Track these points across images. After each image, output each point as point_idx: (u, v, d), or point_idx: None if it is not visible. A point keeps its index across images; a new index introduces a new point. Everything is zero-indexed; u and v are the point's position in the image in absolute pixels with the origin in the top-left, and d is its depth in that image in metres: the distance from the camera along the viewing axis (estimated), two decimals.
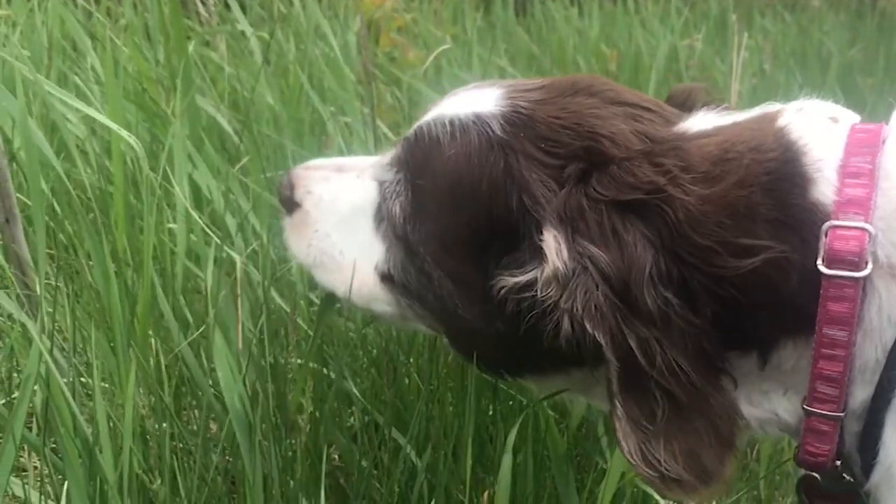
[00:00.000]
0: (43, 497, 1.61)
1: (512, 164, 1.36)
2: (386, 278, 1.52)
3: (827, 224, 1.24)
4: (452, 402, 2.00)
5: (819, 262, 1.23)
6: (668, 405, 1.25)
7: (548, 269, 1.29)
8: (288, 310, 2.18)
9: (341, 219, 1.57)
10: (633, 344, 1.23)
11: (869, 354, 1.26)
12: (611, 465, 1.98)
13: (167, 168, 2.15)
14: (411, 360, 2.09)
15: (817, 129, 1.32)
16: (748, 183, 1.28)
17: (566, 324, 1.28)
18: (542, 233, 1.32)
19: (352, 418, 2.05)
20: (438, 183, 1.42)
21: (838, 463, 1.33)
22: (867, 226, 1.23)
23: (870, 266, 1.22)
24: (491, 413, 2.08)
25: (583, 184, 1.32)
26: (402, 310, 1.55)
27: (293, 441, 1.78)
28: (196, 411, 1.88)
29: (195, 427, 1.83)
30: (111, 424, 1.58)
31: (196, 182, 2.39)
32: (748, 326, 1.29)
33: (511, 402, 2.07)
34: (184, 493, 1.68)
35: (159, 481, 1.60)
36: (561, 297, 1.28)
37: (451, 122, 1.43)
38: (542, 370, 1.46)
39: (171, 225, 2.24)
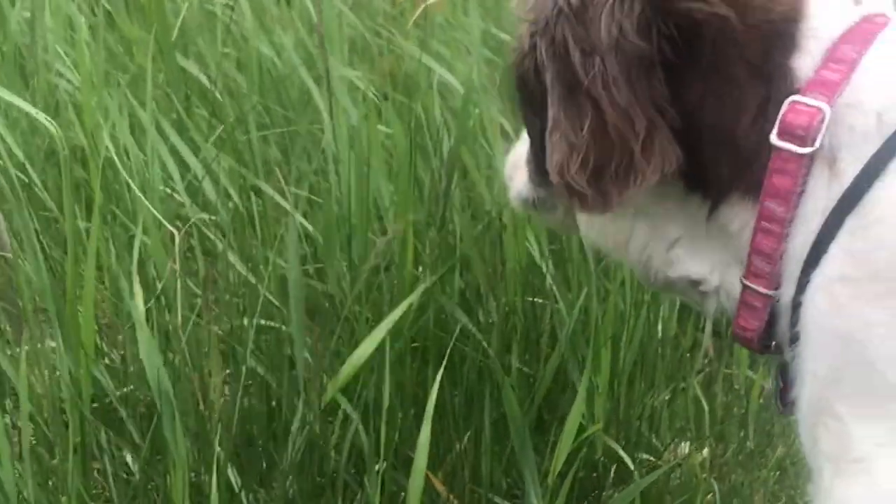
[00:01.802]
0: None
1: None
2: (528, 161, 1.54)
3: (790, 98, 1.24)
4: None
5: (774, 133, 1.24)
6: (594, 117, 1.27)
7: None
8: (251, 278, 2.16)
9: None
10: (574, 56, 1.27)
11: (796, 244, 1.24)
12: (566, 428, 1.93)
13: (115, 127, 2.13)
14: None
15: (833, 3, 1.30)
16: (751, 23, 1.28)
17: (527, 44, 1.32)
18: None
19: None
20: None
21: (773, 344, 1.33)
22: (824, 105, 1.21)
23: (817, 144, 1.21)
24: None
25: None
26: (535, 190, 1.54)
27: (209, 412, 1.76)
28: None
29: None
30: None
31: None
32: (706, 162, 1.31)
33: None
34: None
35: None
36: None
37: None
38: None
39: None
